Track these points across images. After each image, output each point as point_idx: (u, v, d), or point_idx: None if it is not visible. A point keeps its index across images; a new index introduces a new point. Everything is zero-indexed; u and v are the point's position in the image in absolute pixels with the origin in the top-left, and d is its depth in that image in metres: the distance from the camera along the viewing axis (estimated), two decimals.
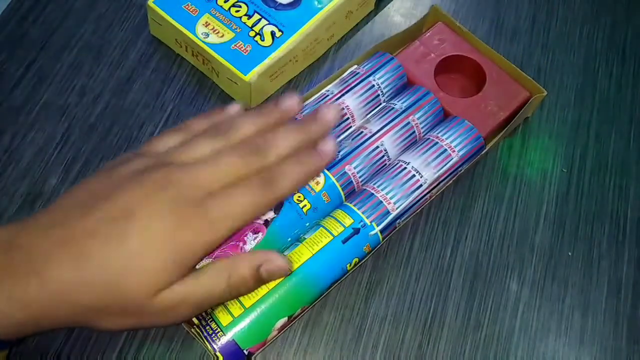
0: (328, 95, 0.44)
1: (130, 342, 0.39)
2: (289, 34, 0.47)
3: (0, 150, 0.45)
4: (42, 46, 0.50)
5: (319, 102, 0.44)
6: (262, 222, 0.38)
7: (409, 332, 0.40)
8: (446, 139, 0.42)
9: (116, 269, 0.29)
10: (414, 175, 0.41)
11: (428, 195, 0.42)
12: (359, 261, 0.39)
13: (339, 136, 0.43)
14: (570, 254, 0.44)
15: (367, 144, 0.42)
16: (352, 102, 0.44)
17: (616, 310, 0.42)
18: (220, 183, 0.31)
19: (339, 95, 0.44)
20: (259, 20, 0.47)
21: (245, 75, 0.45)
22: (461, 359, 0.40)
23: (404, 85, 0.46)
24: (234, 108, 0.36)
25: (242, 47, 0.46)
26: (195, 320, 0.36)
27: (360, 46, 0.51)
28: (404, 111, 0.44)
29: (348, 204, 0.40)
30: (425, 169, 0.41)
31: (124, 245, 0.29)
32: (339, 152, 0.41)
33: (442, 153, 0.42)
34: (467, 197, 0.45)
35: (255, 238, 0.38)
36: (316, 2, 0.48)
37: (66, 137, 0.46)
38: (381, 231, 0.39)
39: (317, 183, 0.40)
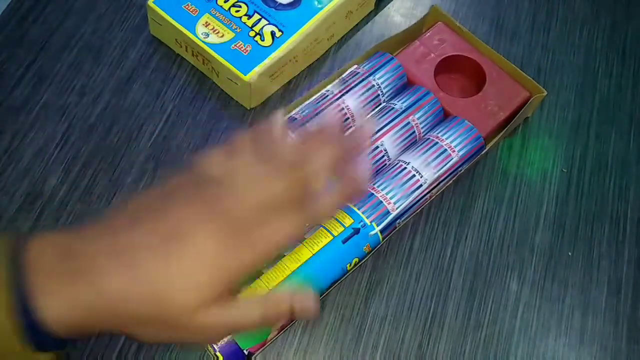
0: (328, 95, 0.44)
1: (130, 342, 0.39)
2: (289, 34, 0.47)
3: (0, 150, 0.45)
4: (42, 46, 0.50)
5: (319, 101, 0.44)
6: None
7: (409, 332, 0.40)
8: (446, 139, 0.42)
9: (165, 282, 0.30)
10: (414, 175, 0.41)
11: (428, 195, 0.42)
12: (359, 261, 0.39)
13: None
14: (570, 254, 0.44)
15: None
16: (352, 102, 0.44)
17: (616, 310, 0.42)
18: (264, 207, 0.32)
19: (339, 95, 0.44)
20: (259, 20, 0.47)
21: (245, 75, 0.45)
22: (461, 359, 0.40)
23: (404, 85, 0.46)
24: (277, 119, 0.36)
25: (242, 47, 0.46)
26: None
27: (360, 46, 0.51)
28: (404, 111, 0.44)
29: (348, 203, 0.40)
30: (425, 169, 0.41)
31: (175, 261, 0.30)
32: None
33: (442, 153, 0.42)
34: (467, 197, 0.45)
35: None
36: (316, 2, 0.48)
37: (66, 137, 0.46)
38: (381, 231, 0.39)
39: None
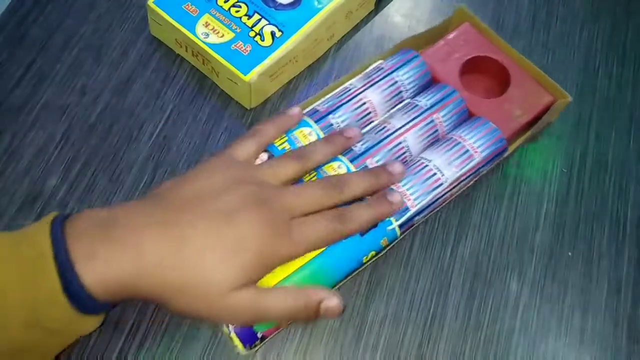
0: (351, 89, 0.44)
1: (130, 342, 0.39)
2: (289, 34, 0.47)
3: (0, 150, 0.45)
4: (42, 46, 0.50)
5: (342, 95, 0.44)
6: None
7: (409, 332, 0.40)
8: (469, 139, 0.42)
9: (210, 259, 0.33)
10: (435, 174, 0.41)
11: (448, 194, 0.41)
12: (376, 254, 0.39)
13: (362, 129, 0.43)
14: (570, 254, 0.44)
15: (390, 139, 0.42)
16: (374, 97, 0.44)
17: (616, 310, 0.42)
18: (303, 210, 0.36)
19: (362, 89, 0.44)
20: (259, 20, 0.47)
21: (245, 75, 0.45)
22: (461, 359, 0.40)
23: (427, 84, 0.46)
24: (294, 111, 0.42)
25: (242, 47, 0.46)
26: None
27: (360, 46, 0.51)
28: (428, 108, 0.44)
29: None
30: (446, 168, 0.41)
31: (222, 242, 0.33)
32: (362, 145, 0.41)
33: (464, 153, 0.42)
34: (467, 197, 0.45)
35: None
36: (316, 2, 0.48)
37: (66, 137, 0.46)
38: (400, 226, 0.39)
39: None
